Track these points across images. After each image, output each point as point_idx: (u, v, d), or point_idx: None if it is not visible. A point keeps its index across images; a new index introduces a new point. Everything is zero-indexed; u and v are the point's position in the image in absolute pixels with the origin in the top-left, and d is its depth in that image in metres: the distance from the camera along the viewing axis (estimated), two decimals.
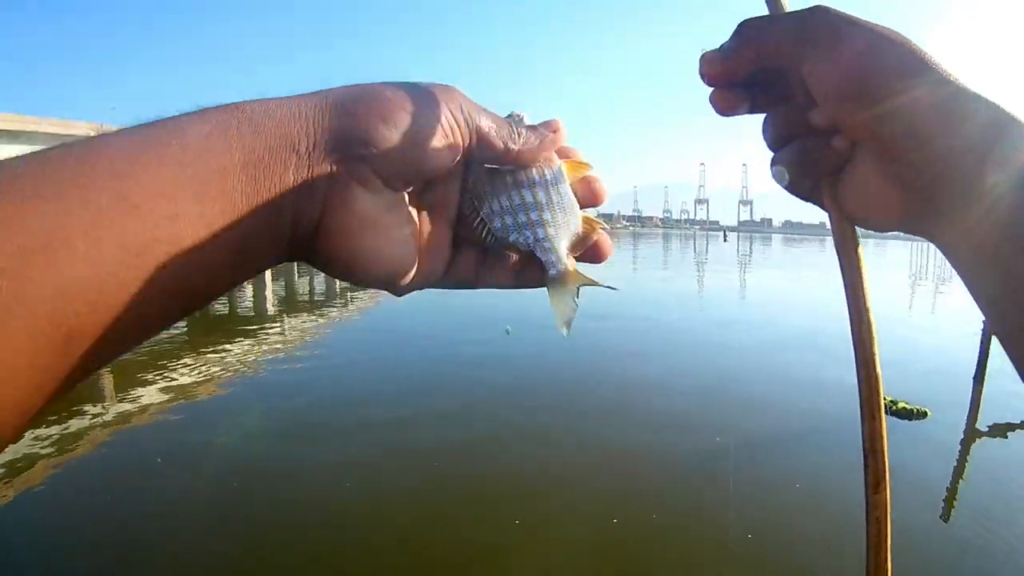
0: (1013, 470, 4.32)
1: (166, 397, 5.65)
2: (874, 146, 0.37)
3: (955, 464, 4.42)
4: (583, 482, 3.87)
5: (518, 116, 0.43)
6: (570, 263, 0.43)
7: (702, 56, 0.42)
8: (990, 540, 3.26)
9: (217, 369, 6.57)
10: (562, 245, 0.43)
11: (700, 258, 30.73)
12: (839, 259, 0.40)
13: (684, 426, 4.88)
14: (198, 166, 0.29)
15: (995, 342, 4.34)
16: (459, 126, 0.38)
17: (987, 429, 5.07)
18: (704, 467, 4.11)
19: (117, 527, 3.32)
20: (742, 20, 0.40)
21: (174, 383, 6.07)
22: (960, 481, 4.09)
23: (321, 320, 9.92)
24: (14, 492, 3.70)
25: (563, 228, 0.43)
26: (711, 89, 0.43)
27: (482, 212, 0.42)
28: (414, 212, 0.40)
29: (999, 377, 5.72)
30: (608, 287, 0.44)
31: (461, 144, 0.38)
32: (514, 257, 0.44)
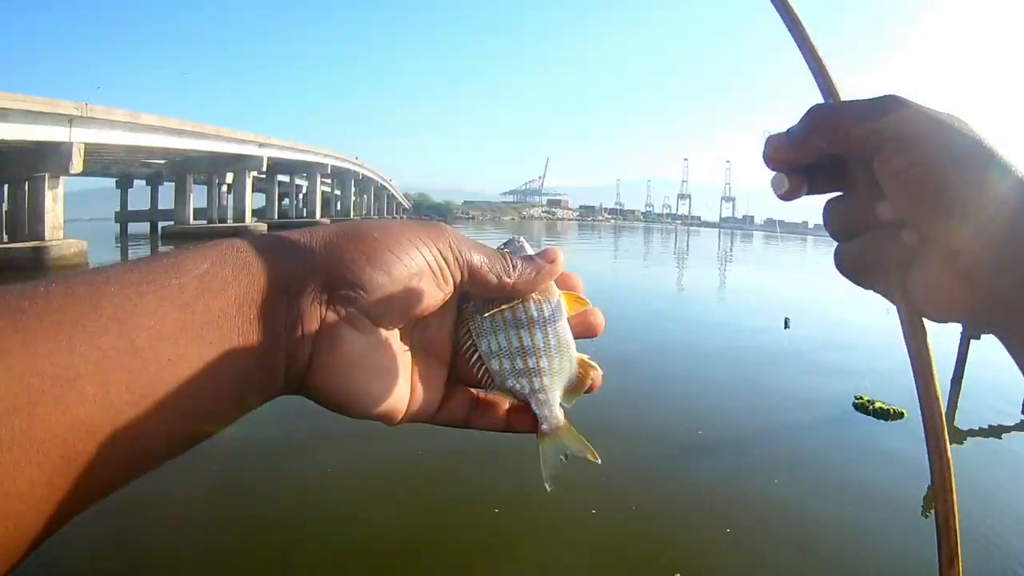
0: (989, 466, 4.43)
1: None
2: (949, 244, 0.36)
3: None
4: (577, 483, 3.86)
5: (518, 243, 0.44)
6: (563, 419, 0.43)
7: (768, 139, 0.42)
8: (968, 529, 3.28)
9: None
10: (556, 396, 0.43)
11: (681, 255, 30.89)
12: (908, 352, 0.40)
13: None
14: (197, 307, 0.31)
15: (973, 345, 4.43)
16: (449, 264, 0.38)
17: (966, 429, 5.17)
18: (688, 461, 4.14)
19: (115, 525, 3.27)
20: (813, 106, 0.41)
21: None
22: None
23: None
24: None
25: (559, 375, 0.43)
26: (773, 172, 0.43)
27: (480, 350, 0.42)
28: (406, 349, 0.41)
29: (974, 378, 5.81)
30: (590, 455, 0.44)
31: (452, 283, 0.39)
32: (507, 404, 0.44)
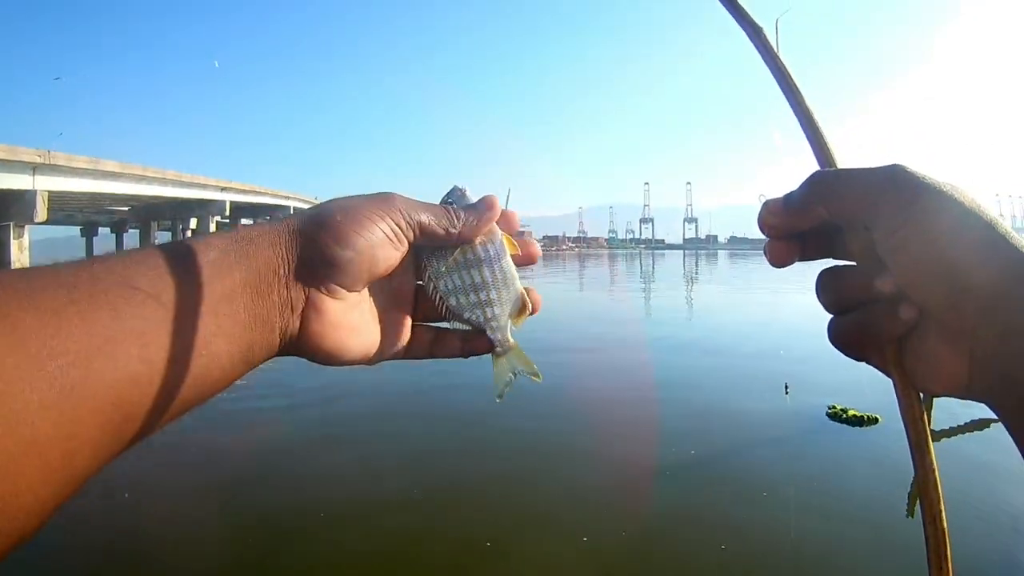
0: (964, 465, 4.46)
1: None
2: (949, 319, 0.36)
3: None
4: (570, 493, 3.93)
5: (460, 190, 0.51)
6: (513, 341, 0.52)
7: (765, 204, 0.43)
8: (952, 525, 3.32)
9: None
10: (507, 321, 0.51)
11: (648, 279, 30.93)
12: (905, 426, 0.39)
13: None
14: (213, 287, 0.38)
15: None
16: (402, 228, 0.46)
17: (940, 431, 5.21)
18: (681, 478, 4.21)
19: (116, 525, 3.30)
20: (815, 172, 0.41)
21: None
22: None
23: None
24: None
25: (507, 303, 0.51)
26: (768, 239, 0.44)
27: (440, 290, 0.50)
28: (377, 302, 0.49)
29: None
30: (535, 377, 0.52)
31: (407, 242, 0.46)
32: (461, 332, 0.53)
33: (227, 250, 0.40)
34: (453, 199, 0.50)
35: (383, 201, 0.45)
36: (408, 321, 0.51)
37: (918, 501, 0.38)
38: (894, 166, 0.37)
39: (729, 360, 8.08)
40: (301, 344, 0.44)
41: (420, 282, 0.51)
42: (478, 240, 0.50)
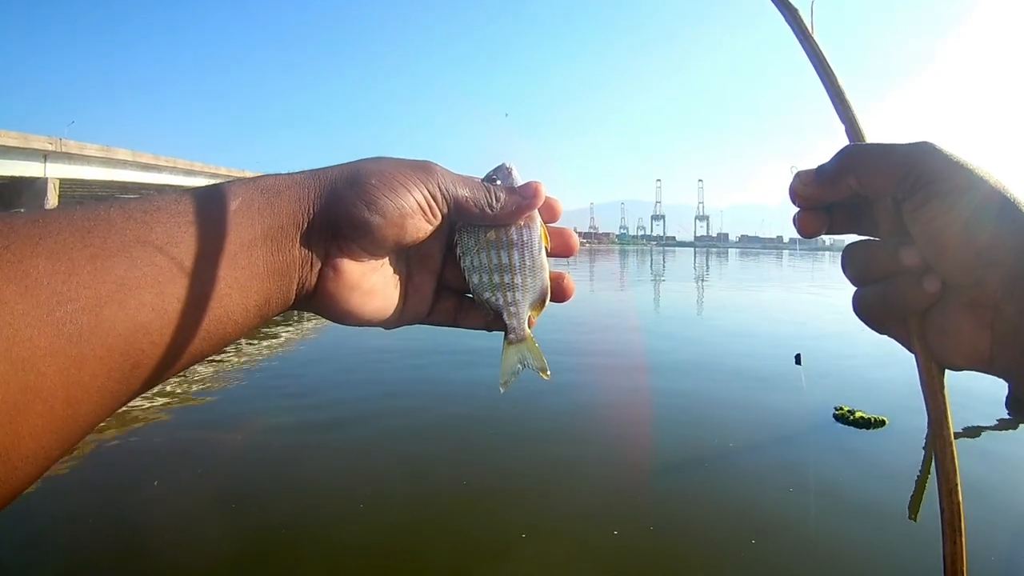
0: (969, 468, 4.41)
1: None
2: (972, 293, 0.37)
3: (920, 468, 4.49)
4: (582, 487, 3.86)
5: (507, 169, 0.48)
6: (528, 332, 0.49)
7: (797, 175, 0.44)
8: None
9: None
10: (525, 310, 0.49)
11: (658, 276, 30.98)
12: (925, 399, 0.40)
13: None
14: (232, 238, 0.37)
15: None
16: (436, 201, 0.43)
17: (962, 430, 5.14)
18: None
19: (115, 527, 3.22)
20: (848, 145, 0.42)
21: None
22: (925, 483, 4.16)
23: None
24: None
25: (530, 292, 0.48)
26: (798, 209, 0.44)
27: (463, 265, 0.48)
28: (401, 265, 0.47)
29: (954, 384, 5.85)
30: (543, 373, 0.50)
31: (440, 215, 0.44)
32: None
33: (251, 200, 0.39)
34: (499, 177, 0.48)
35: (422, 169, 0.43)
36: (432, 287, 0.49)
37: (935, 475, 0.39)
38: (924, 143, 0.38)
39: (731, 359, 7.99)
40: (315, 302, 0.42)
41: (452, 249, 0.49)
42: (515, 224, 0.48)
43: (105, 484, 3.78)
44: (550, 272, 0.49)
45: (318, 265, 0.41)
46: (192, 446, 4.49)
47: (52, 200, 22.42)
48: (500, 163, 0.49)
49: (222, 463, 4.15)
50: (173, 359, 0.35)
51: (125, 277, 0.32)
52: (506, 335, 0.49)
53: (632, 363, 7.85)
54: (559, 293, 0.50)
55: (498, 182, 0.47)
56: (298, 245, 0.40)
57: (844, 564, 3.12)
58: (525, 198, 0.46)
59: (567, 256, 0.51)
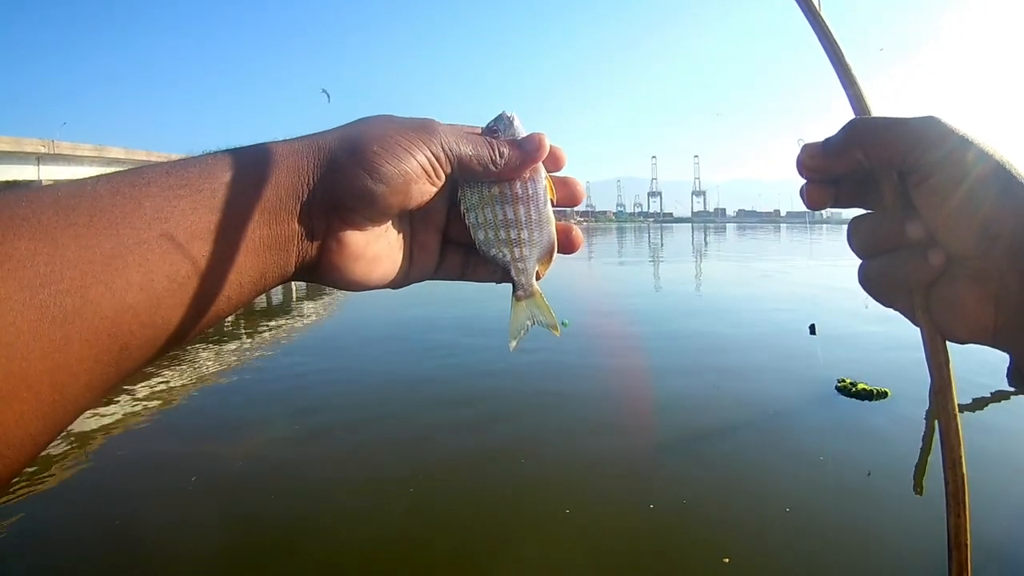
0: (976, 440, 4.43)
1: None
2: (977, 265, 0.37)
3: (922, 440, 4.50)
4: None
5: (508, 119, 0.47)
6: (536, 288, 0.48)
7: (804, 147, 0.43)
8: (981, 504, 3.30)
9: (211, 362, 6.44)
10: (533, 266, 0.48)
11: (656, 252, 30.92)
12: (929, 371, 0.40)
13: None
14: (226, 211, 0.35)
15: None
16: (440, 162, 0.42)
17: (969, 402, 5.12)
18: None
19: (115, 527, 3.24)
20: (854, 118, 0.42)
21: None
22: (928, 455, 4.18)
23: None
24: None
25: (537, 246, 0.47)
26: (805, 181, 0.44)
27: (468, 222, 0.47)
28: (404, 224, 0.46)
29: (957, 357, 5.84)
30: (554, 329, 0.49)
31: (443, 177, 0.43)
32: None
33: (246, 171, 0.37)
34: (500, 128, 0.46)
35: (424, 130, 0.42)
36: (437, 244, 0.48)
37: (942, 458, 0.39)
38: (930, 117, 0.38)
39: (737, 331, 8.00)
40: (318, 273, 0.42)
41: (456, 204, 0.48)
42: (519, 178, 0.46)
43: (105, 485, 3.79)
44: (556, 224, 0.48)
45: (320, 238, 0.40)
46: (192, 448, 4.44)
47: None
48: (500, 112, 0.47)
49: (224, 466, 4.10)
50: (163, 339, 0.34)
51: (111, 256, 0.31)
52: (514, 291, 0.48)
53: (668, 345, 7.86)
54: (567, 245, 0.49)
55: (499, 134, 0.46)
56: (297, 218, 0.38)
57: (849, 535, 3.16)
58: (529, 152, 0.45)
59: (573, 206, 0.50)
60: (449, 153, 0.42)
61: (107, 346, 0.31)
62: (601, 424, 4.82)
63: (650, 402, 5.34)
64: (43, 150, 22.42)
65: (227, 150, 0.39)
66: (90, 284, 0.30)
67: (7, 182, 21.26)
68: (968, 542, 0.37)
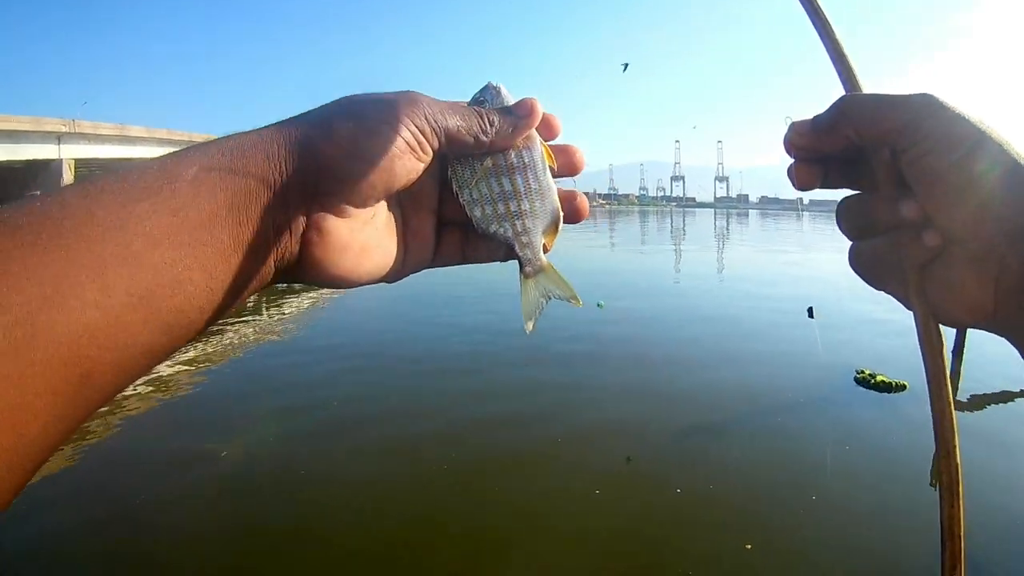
0: (992, 436, 4.40)
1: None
2: (975, 246, 0.36)
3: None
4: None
5: (494, 88, 0.44)
6: (546, 261, 0.45)
7: (792, 125, 0.42)
8: (974, 499, 3.26)
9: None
10: (539, 238, 0.45)
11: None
12: (923, 357, 0.39)
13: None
14: (189, 212, 0.32)
15: None
16: (425, 135, 0.39)
17: (967, 400, 5.12)
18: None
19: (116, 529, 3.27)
20: (844, 96, 0.40)
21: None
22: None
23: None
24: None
25: (540, 217, 0.44)
26: (793, 160, 0.43)
27: (462, 200, 0.44)
28: (394, 209, 0.43)
29: (976, 349, 5.78)
30: (573, 301, 0.46)
31: (429, 152, 0.40)
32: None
33: (211, 167, 0.34)
34: (486, 99, 0.43)
35: (404, 103, 0.38)
36: (432, 228, 0.45)
37: (935, 447, 0.38)
38: (924, 93, 0.37)
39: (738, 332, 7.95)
40: (302, 271, 0.38)
41: (447, 183, 0.45)
42: (513, 147, 0.44)
43: (105, 486, 3.78)
44: (559, 192, 0.45)
45: (299, 231, 0.36)
46: (191, 448, 4.40)
47: (68, 180, 22.69)
48: (486, 83, 0.44)
49: (224, 467, 4.09)
50: (130, 362, 0.31)
51: (62, 274, 0.28)
52: (521, 268, 0.45)
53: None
54: (572, 214, 0.46)
55: (487, 104, 0.43)
56: (271, 211, 0.35)
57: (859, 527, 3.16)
58: (521, 117, 0.42)
59: (573, 175, 0.47)
60: (435, 125, 0.39)
61: (66, 376, 0.28)
62: (628, 408, 4.84)
63: (685, 387, 5.36)
64: (64, 129, 22.68)
65: (192, 146, 0.35)
66: (40, 308, 0.27)
67: (28, 161, 21.58)
68: (962, 533, 0.36)
